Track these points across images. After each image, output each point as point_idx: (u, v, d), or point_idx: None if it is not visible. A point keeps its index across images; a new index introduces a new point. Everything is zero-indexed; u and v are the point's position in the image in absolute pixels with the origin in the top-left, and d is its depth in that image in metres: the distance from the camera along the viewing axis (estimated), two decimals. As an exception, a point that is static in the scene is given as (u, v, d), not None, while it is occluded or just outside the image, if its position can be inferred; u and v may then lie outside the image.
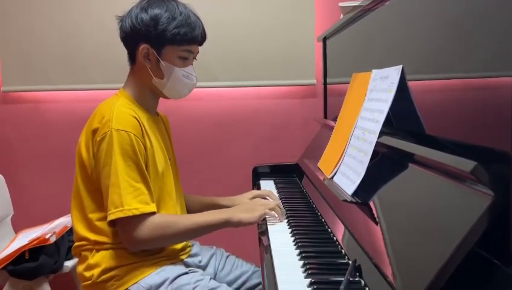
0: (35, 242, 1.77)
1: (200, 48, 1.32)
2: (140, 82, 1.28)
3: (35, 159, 2.31)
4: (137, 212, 1.11)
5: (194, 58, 1.32)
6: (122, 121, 1.15)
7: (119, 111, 1.16)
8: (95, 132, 1.17)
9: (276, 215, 1.24)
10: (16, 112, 2.30)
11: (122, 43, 1.29)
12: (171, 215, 1.24)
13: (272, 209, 1.24)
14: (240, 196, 1.46)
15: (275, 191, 1.54)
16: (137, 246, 1.17)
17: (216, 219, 1.20)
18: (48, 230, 1.85)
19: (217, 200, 1.48)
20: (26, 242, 1.78)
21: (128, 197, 1.11)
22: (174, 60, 1.25)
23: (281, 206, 1.30)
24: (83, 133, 1.22)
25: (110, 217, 1.11)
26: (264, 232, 1.17)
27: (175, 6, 1.23)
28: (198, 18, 1.28)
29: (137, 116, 1.18)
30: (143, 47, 1.23)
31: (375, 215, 0.88)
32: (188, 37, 1.23)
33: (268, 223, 1.22)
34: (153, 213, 1.15)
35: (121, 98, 1.24)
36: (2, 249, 1.86)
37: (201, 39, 1.29)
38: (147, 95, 1.29)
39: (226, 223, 1.20)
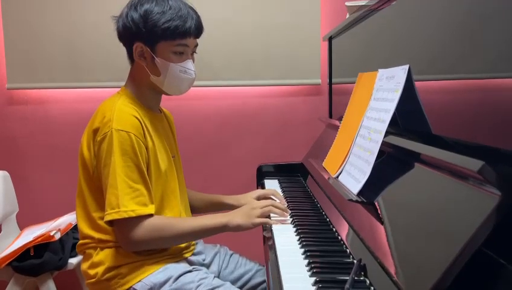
0: (40, 239, 1.78)
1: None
2: (139, 80, 1.27)
3: (41, 156, 2.31)
4: (133, 214, 1.11)
5: (194, 52, 1.29)
6: (122, 121, 1.14)
7: (120, 111, 1.16)
8: (95, 131, 1.16)
9: (278, 216, 1.23)
10: (21, 109, 2.31)
11: None
12: (169, 218, 1.23)
13: (268, 211, 1.22)
14: (244, 195, 1.45)
15: (279, 191, 1.54)
16: (133, 247, 1.17)
17: (214, 223, 1.19)
18: (52, 227, 1.86)
19: (221, 198, 1.47)
20: (31, 239, 1.79)
21: (125, 199, 1.11)
22: (169, 55, 1.22)
23: (279, 205, 1.25)
24: (84, 132, 1.22)
25: (106, 218, 1.12)
26: (268, 231, 1.17)
27: (165, 0, 1.20)
28: (192, 9, 1.24)
29: (138, 116, 1.18)
30: (136, 45, 1.21)
31: (381, 215, 0.88)
32: (180, 30, 1.19)
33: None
34: (151, 215, 1.15)
35: (122, 96, 1.23)
36: (7, 245, 1.88)
37: (195, 31, 1.23)
38: (147, 93, 1.28)
39: (224, 228, 1.19)
